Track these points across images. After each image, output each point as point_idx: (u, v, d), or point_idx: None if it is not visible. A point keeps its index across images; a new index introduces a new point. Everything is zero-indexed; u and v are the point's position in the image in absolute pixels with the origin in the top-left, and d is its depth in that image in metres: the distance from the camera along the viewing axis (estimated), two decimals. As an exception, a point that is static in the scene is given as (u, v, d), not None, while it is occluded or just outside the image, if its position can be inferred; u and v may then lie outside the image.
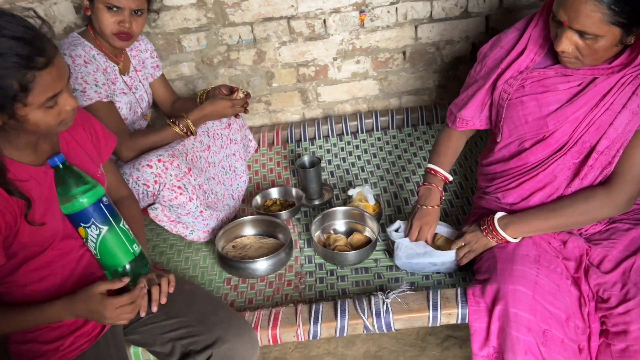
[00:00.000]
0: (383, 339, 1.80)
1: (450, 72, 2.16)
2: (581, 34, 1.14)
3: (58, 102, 1.00)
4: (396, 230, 1.50)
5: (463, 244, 1.41)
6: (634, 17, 1.09)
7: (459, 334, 1.79)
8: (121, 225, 1.15)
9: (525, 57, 1.31)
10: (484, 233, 1.37)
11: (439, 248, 1.48)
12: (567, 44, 1.17)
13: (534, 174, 1.36)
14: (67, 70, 1.01)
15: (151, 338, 1.26)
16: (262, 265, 1.50)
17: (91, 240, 1.13)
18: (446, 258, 1.42)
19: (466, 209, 1.72)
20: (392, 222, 1.69)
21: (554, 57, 1.29)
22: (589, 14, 1.10)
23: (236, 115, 1.81)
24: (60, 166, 1.08)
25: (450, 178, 1.51)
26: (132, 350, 1.30)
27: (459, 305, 1.30)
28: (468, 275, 1.46)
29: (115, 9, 1.51)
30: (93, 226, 1.10)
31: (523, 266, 1.25)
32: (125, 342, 1.28)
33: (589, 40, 1.14)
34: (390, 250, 1.58)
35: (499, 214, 1.37)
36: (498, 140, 1.40)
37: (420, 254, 1.43)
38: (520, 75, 1.32)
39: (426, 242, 1.46)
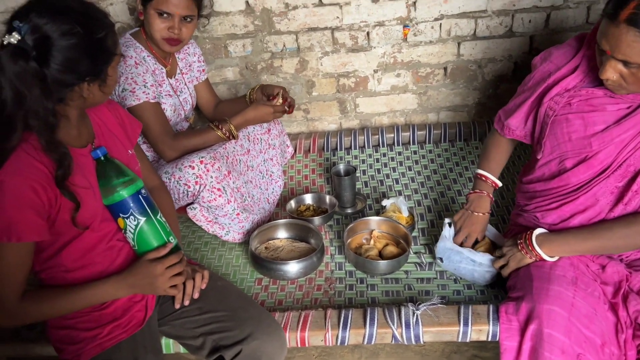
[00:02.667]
0: (408, 353, 1.78)
1: (490, 91, 2.15)
2: (625, 63, 1.13)
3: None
4: (449, 225, 1.53)
5: (499, 255, 1.40)
6: None
7: (485, 354, 1.75)
8: (158, 217, 1.19)
9: (576, 77, 1.30)
10: (520, 247, 1.35)
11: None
12: (612, 72, 1.16)
13: (575, 197, 1.33)
14: None
15: (183, 331, 1.28)
16: (293, 267, 1.52)
17: (129, 231, 1.17)
18: (486, 260, 1.42)
19: (501, 227, 1.70)
20: (424, 235, 1.69)
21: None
22: (631, 44, 1.09)
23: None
24: (102, 159, 1.13)
25: (500, 184, 1.52)
26: (164, 342, 1.33)
27: (491, 322, 1.28)
28: (500, 293, 1.44)
29: (165, 15, 1.57)
30: (132, 217, 1.14)
31: (560, 287, 1.23)
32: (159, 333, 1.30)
33: (633, 69, 1.13)
34: (421, 264, 1.58)
35: (538, 230, 1.35)
36: (539, 157, 1.39)
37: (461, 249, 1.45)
38: (567, 93, 1.31)
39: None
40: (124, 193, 1.13)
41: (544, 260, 1.32)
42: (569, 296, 1.21)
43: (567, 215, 1.36)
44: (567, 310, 1.19)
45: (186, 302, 1.24)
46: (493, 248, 1.52)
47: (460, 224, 1.50)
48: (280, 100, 1.76)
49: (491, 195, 1.50)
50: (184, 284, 1.25)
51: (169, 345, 1.33)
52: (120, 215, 1.15)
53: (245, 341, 1.20)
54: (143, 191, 1.17)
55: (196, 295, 1.25)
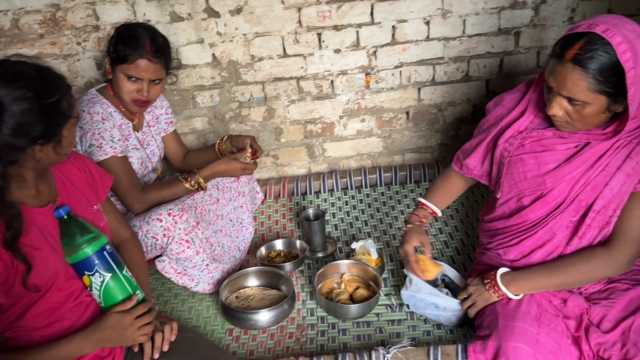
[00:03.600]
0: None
1: (452, 132, 2.24)
2: (570, 100, 1.20)
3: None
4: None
5: (466, 295, 1.42)
6: (618, 87, 1.15)
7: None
8: (124, 272, 1.18)
9: (525, 119, 1.38)
10: (487, 287, 1.38)
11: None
12: (558, 108, 1.23)
13: (533, 232, 1.39)
14: None
15: None
16: (264, 316, 1.51)
17: (95, 288, 1.16)
18: (449, 305, 1.44)
19: (467, 266, 1.74)
20: (394, 276, 1.72)
21: (552, 120, 1.36)
22: (576, 82, 1.17)
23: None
24: (66, 217, 1.12)
25: (439, 212, 1.56)
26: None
27: (460, 361, 1.30)
28: (469, 332, 1.46)
29: (134, 78, 1.60)
30: (97, 274, 1.14)
31: (524, 324, 1.26)
32: None
33: (577, 106, 1.21)
34: (391, 306, 1.59)
35: (502, 270, 1.39)
36: (498, 196, 1.45)
37: (426, 292, 1.46)
38: (520, 135, 1.38)
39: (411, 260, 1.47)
40: (89, 250, 1.12)
41: (510, 298, 1.36)
42: (534, 332, 1.24)
43: (528, 250, 1.41)
44: (532, 346, 1.21)
45: (155, 356, 1.23)
46: (449, 288, 1.55)
47: (403, 254, 1.49)
48: (249, 154, 1.79)
49: (420, 215, 1.54)
50: (153, 337, 1.24)
51: (138, 401, 1.30)
52: (86, 272, 1.14)
53: None
54: (108, 247, 1.16)
55: (165, 348, 1.23)
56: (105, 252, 1.15)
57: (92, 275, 1.13)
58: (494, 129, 1.43)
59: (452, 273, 1.57)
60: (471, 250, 1.80)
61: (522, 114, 1.39)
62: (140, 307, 1.16)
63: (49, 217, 1.14)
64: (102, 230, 1.20)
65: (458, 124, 2.22)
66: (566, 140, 1.33)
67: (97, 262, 1.13)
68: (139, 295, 1.20)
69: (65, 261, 1.13)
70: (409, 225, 1.53)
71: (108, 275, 1.15)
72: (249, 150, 1.80)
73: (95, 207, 1.28)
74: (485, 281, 1.40)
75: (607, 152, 1.28)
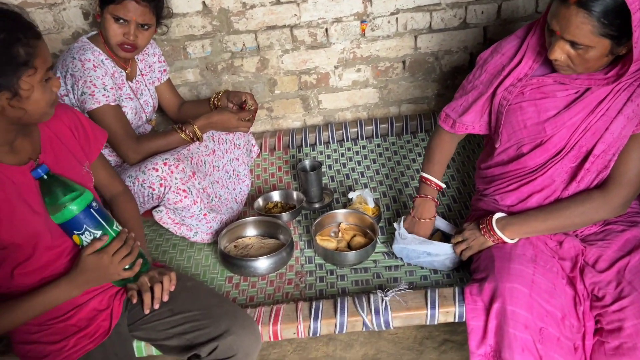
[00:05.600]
0: (381, 342, 1.82)
1: (448, 82, 2.21)
2: (572, 44, 1.18)
3: (50, 77, 1.04)
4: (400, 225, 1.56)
5: (461, 239, 1.44)
6: (622, 29, 1.12)
7: (456, 338, 1.80)
8: (115, 227, 1.16)
9: (524, 65, 1.35)
10: (482, 232, 1.40)
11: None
12: (559, 52, 1.21)
13: (532, 178, 1.39)
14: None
15: (155, 334, 1.27)
16: (263, 263, 1.53)
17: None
18: (441, 250, 1.46)
19: (464, 213, 1.75)
20: (390, 225, 1.73)
21: (552, 65, 1.33)
22: (579, 26, 1.14)
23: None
24: (45, 177, 1.08)
25: (443, 186, 1.55)
26: (135, 345, 1.31)
27: (457, 303, 1.32)
28: (465, 275, 1.49)
29: (122, 20, 1.55)
30: (87, 232, 1.11)
31: (520, 265, 1.28)
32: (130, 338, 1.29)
33: (580, 50, 1.18)
34: (388, 253, 1.61)
35: (498, 215, 1.40)
36: (497, 145, 1.43)
37: (417, 241, 1.48)
38: (520, 83, 1.35)
39: None
40: (74, 209, 1.08)
41: (505, 242, 1.37)
42: (529, 273, 1.26)
43: (525, 195, 1.41)
44: (528, 287, 1.24)
45: (156, 306, 1.24)
46: (444, 237, 1.57)
47: (409, 230, 1.54)
48: (250, 108, 1.77)
49: (436, 199, 1.54)
50: (152, 288, 1.24)
51: (140, 348, 1.32)
52: (75, 232, 1.11)
53: (221, 337, 1.20)
54: (94, 204, 1.12)
55: (165, 298, 1.24)
56: (92, 210, 1.11)
57: (82, 234, 1.11)
58: (497, 79, 1.39)
59: (443, 224, 1.58)
60: (467, 199, 1.81)
61: (520, 61, 1.36)
62: (114, 243, 1.12)
63: (28, 175, 1.09)
64: (90, 191, 1.15)
65: (455, 73, 2.19)
66: (566, 86, 1.31)
67: (85, 220, 1.10)
68: (109, 236, 1.15)
69: (48, 220, 1.10)
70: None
71: (98, 233, 1.12)
72: (249, 105, 1.77)
73: (85, 166, 1.25)
74: (481, 226, 1.41)
75: (607, 97, 1.27)
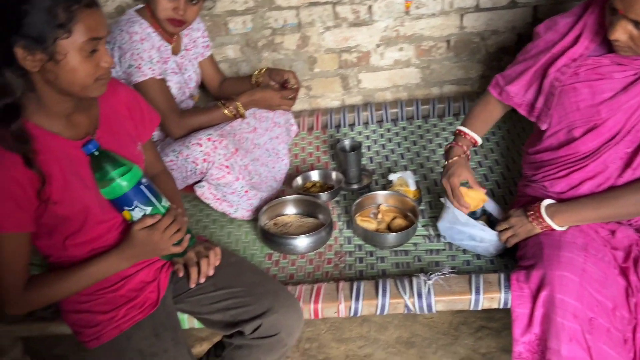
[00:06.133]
0: (416, 326, 1.81)
1: (494, 63, 2.14)
2: (636, 23, 1.12)
3: (98, 50, 1.01)
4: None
5: (507, 226, 1.40)
6: None
7: (493, 325, 1.78)
8: (163, 202, 1.16)
9: (580, 45, 1.29)
10: (530, 219, 1.36)
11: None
12: (621, 32, 1.15)
13: (584, 164, 1.34)
14: (107, 26, 1.03)
15: (199, 307, 1.29)
16: (303, 242, 1.52)
17: None
18: (486, 235, 1.42)
19: (508, 199, 1.70)
20: (432, 208, 1.70)
21: (609, 45, 1.27)
22: None
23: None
24: (96, 153, 1.07)
25: (479, 140, 1.50)
26: (179, 317, 1.33)
27: (502, 290, 1.29)
28: (510, 262, 1.45)
29: None
30: (137, 208, 1.11)
31: (570, 253, 1.24)
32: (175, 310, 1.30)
33: None
34: (429, 236, 1.58)
35: (547, 202, 1.35)
36: (544, 128, 1.39)
37: (463, 222, 1.43)
38: (574, 63, 1.30)
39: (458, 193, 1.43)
40: (124, 184, 1.08)
41: (554, 230, 1.33)
42: (580, 262, 1.22)
43: (576, 182, 1.36)
44: (579, 275, 1.20)
45: (202, 280, 1.26)
46: (490, 221, 1.52)
47: (447, 187, 1.45)
48: (295, 87, 1.76)
49: (464, 146, 1.48)
50: (199, 262, 1.25)
51: (183, 320, 1.34)
52: (125, 208, 1.11)
53: (264, 315, 1.21)
54: (144, 180, 1.12)
55: (211, 273, 1.26)
56: (142, 186, 1.11)
57: (132, 210, 1.11)
58: (545, 55, 1.34)
59: (492, 206, 1.54)
60: (512, 184, 1.76)
61: (576, 40, 1.30)
62: (165, 219, 1.12)
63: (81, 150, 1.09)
64: (139, 167, 1.15)
65: (501, 54, 2.12)
66: (625, 67, 1.25)
67: (135, 197, 1.10)
68: (160, 214, 1.15)
69: (99, 196, 1.10)
70: (455, 158, 1.46)
71: (148, 209, 1.12)
72: (292, 83, 1.76)
73: (138, 145, 1.25)
74: (528, 213, 1.37)
75: (668, 80, 1.21)
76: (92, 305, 1.18)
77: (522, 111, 1.44)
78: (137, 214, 1.11)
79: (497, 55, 2.12)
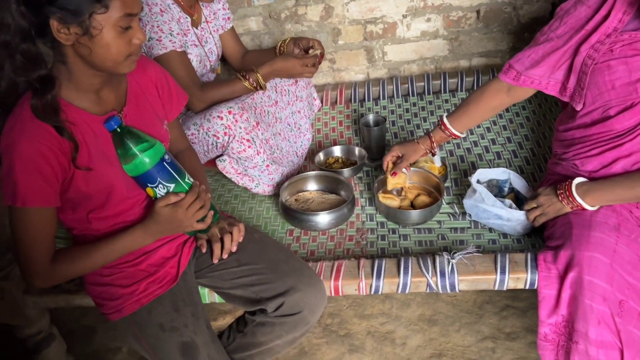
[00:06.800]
0: (439, 303, 1.79)
1: (526, 34, 2.05)
2: None
3: (132, 27, 1.00)
4: (478, 182, 1.48)
5: (536, 205, 1.35)
6: None
7: (518, 304, 1.74)
8: (187, 179, 1.15)
9: (613, 18, 1.21)
10: (559, 198, 1.30)
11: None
12: None
13: (618, 142, 1.27)
14: (140, 3, 1.02)
15: (221, 282, 1.29)
16: (324, 218, 1.51)
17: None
18: (512, 215, 1.38)
19: (538, 176, 1.65)
20: (457, 185, 1.66)
21: None
22: None
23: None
24: (118, 129, 1.06)
25: (461, 135, 1.50)
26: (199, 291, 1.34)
27: (529, 270, 1.26)
28: (537, 241, 1.41)
29: None
30: (160, 185, 1.10)
31: (601, 233, 1.19)
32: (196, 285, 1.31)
33: None
34: (454, 214, 1.55)
35: (578, 180, 1.30)
36: (578, 108, 1.31)
37: (489, 202, 1.40)
38: (608, 39, 1.22)
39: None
40: (147, 161, 1.07)
41: (584, 209, 1.28)
42: (611, 242, 1.17)
43: (609, 161, 1.30)
44: (609, 256, 1.15)
45: (225, 256, 1.26)
46: (517, 199, 1.47)
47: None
48: (317, 52, 1.71)
49: (431, 137, 1.52)
50: (222, 239, 1.25)
51: (204, 295, 1.35)
52: (149, 185, 1.10)
53: (287, 293, 1.21)
54: (167, 157, 1.11)
55: (234, 249, 1.26)
56: (165, 163, 1.10)
57: (156, 187, 1.10)
58: (578, 33, 1.25)
59: (520, 184, 1.49)
60: (542, 161, 1.70)
61: (609, 14, 1.21)
62: (188, 196, 1.11)
63: None
64: (162, 143, 1.14)
65: (533, 25, 2.02)
66: (663, 41, 1.17)
67: (158, 174, 1.09)
68: (183, 191, 1.14)
69: (123, 173, 1.10)
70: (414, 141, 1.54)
71: (172, 186, 1.11)
72: (317, 51, 1.72)
73: (164, 124, 1.24)
74: (559, 191, 1.31)
75: None
76: (113, 279, 1.20)
77: (551, 92, 1.36)
78: (160, 190, 1.11)
79: (530, 25, 2.03)
